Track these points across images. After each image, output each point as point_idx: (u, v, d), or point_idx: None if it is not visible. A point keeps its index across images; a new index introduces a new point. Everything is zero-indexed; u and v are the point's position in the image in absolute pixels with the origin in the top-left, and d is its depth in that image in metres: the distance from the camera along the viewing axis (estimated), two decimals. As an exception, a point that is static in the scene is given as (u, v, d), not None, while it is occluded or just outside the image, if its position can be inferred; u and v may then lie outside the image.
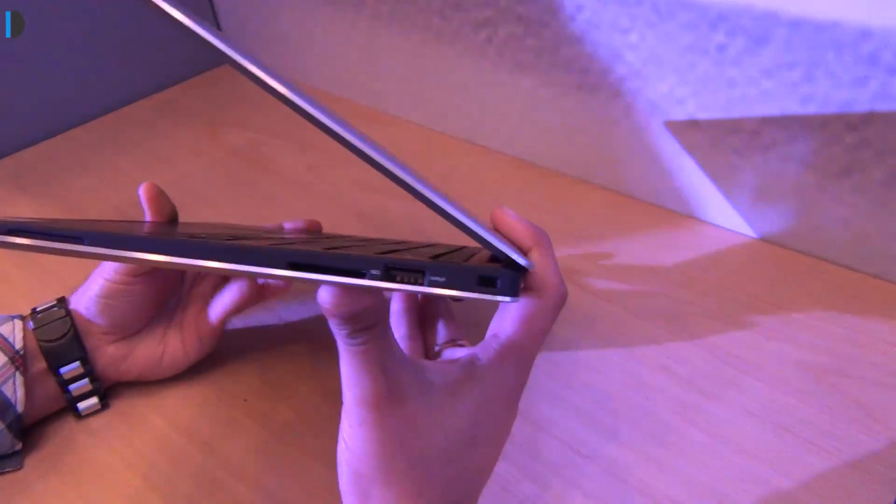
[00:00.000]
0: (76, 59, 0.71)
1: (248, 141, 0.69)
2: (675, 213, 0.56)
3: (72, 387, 0.36)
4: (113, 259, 0.22)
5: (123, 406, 0.39)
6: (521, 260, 0.23)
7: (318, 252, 0.21)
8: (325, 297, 0.22)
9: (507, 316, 0.28)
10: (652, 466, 0.35)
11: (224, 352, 0.42)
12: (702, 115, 0.49)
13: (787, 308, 0.45)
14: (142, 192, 0.37)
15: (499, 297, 0.22)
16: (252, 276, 0.22)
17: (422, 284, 0.21)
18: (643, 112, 0.52)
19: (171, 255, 0.21)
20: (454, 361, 0.27)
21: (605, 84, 0.53)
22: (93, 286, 0.36)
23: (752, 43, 0.44)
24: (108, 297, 0.36)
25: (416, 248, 0.32)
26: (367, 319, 0.23)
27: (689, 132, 0.51)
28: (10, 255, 0.52)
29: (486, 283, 0.22)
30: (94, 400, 0.38)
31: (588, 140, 0.58)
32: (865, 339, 0.42)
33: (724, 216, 0.53)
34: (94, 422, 0.38)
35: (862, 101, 0.42)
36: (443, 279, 0.21)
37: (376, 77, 0.72)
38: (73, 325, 0.36)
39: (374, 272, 0.21)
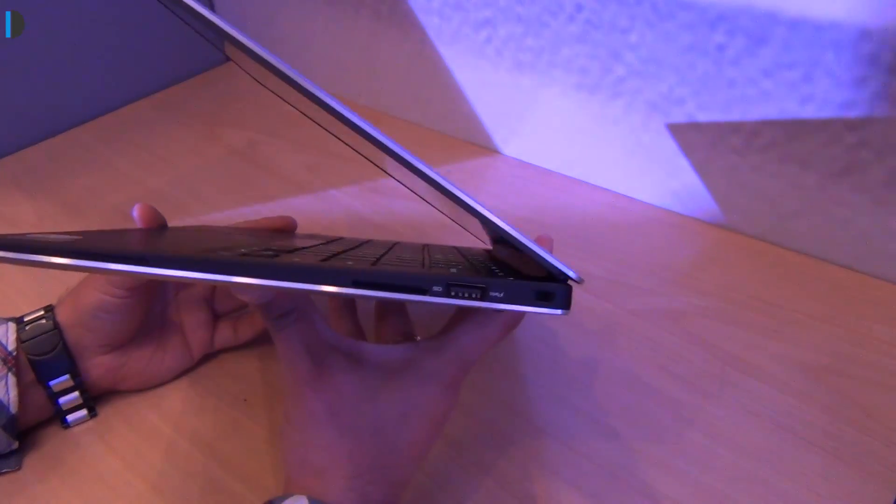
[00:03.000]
0: (76, 58, 0.71)
1: (248, 141, 0.69)
2: (675, 213, 0.56)
3: (61, 400, 0.36)
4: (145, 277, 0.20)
5: (123, 406, 0.39)
6: (572, 274, 0.23)
7: (382, 271, 0.22)
8: (241, 291, 0.23)
9: (461, 319, 0.29)
10: (652, 466, 0.35)
11: (224, 352, 0.42)
12: (702, 115, 0.49)
13: (787, 308, 0.45)
14: (136, 214, 0.37)
15: (552, 311, 0.23)
16: (315, 294, 0.23)
17: (482, 300, 0.22)
18: (643, 112, 0.52)
19: (235, 275, 0.20)
20: (396, 346, 0.29)
21: (605, 84, 0.53)
22: (85, 298, 0.35)
23: (752, 43, 0.44)
24: (104, 311, 0.35)
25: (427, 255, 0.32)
26: (282, 306, 0.26)
27: (689, 132, 0.51)
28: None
29: (543, 297, 0.23)
30: (83, 412, 0.37)
31: (588, 140, 0.58)
32: (865, 339, 0.42)
33: (723, 216, 0.53)
34: (94, 422, 0.38)
35: (862, 101, 0.42)
36: (501, 294, 0.22)
37: (376, 77, 0.72)
38: (62, 338, 0.35)
39: (436, 289, 0.22)
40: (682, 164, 0.53)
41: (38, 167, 0.66)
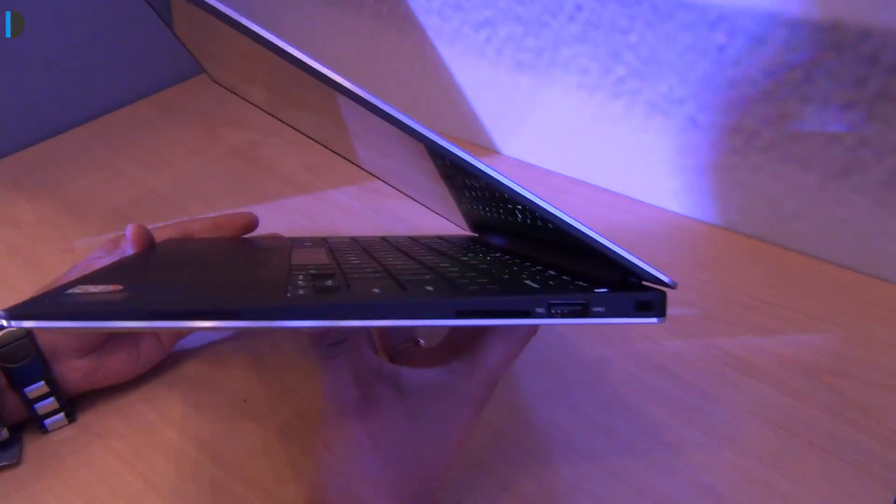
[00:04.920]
0: (76, 59, 0.71)
1: (248, 141, 0.69)
2: (675, 214, 0.56)
3: (37, 405, 0.36)
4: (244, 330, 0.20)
5: (122, 406, 0.39)
6: (665, 278, 0.23)
7: (483, 298, 0.21)
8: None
9: (486, 336, 0.29)
10: (652, 466, 0.35)
11: (224, 352, 0.42)
12: (702, 115, 0.49)
13: (786, 308, 0.45)
14: (130, 237, 0.37)
15: (649, 320, 0.22)
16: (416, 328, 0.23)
17: (585, 316, 0.21)
18: (643, 112, 0.52)
19: (337, 320, 0.19)
20: (429, 370, 0.28)
21: (605, 84, 0.53)
22: None
23: (752, 43, 0.44)
24: None
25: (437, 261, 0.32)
26: (337, 334, 0.25)
27: (689, 132, 0.51)
28: (5, 252, 0.52)
29: (642, 307, 0.22)
30: (60, 416, 0.37)
31: (588, 140, 0.58)
32: (865, 339, 0.42)
33: (723, 216, 0.53)
34: (93, 422, 0.38)
35: (862, 101, 0.42)
36: (603, 309, 0.22)
37: (376, 77, 0.72)
38: (36, 345, 0.35)
39: (539, 310, 0.21)
40: (683, 164, 0.53)
41: (38, 167, 0.66)
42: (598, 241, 0.22)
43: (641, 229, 0.54)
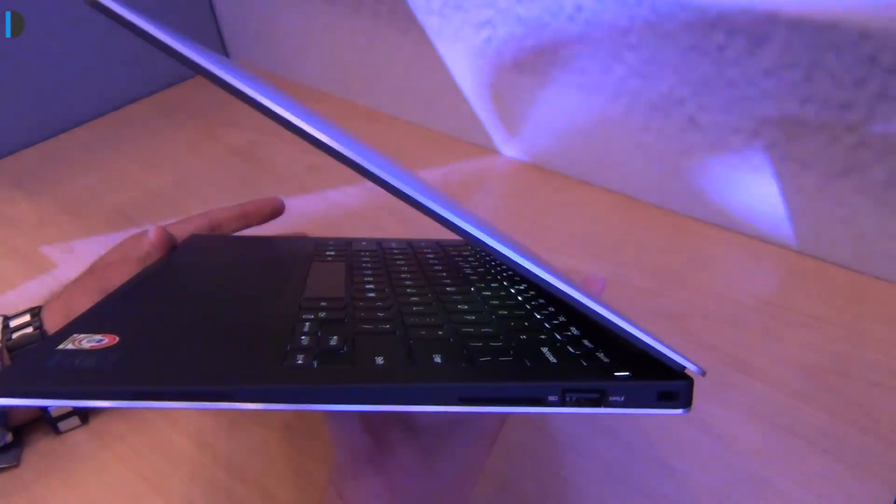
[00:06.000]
0: (76, 59, 0.71)
1: (248, 141, 0.69)
2: (675, 214, 0.56)
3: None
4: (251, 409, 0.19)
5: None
6: (693, 367, 0.21)
7: (490, 385, 0.20)
8: None
9: None
10: (652, 466, 0.35)
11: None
12: (702, 115, 0.49)
13: (787, 308, 0.45)
14: (153, 239, 0.37)
15: (675, 412, 0.21)
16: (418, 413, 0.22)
17: (601, 406, 0.20)
18: (643, 112, 0.52)
19: (333, 404, 0.19)
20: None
21: (605, 84, 0.53)
22: (77, 306, 0.35)
23: (752, 43, 0.44)
24: None
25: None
26: None
27: (689, 132, 0.51)
28: (6, 252, 0.52)
29: (665, 397, 0.20)
30: (75, 418, 0.37)
31: (588, 140, 0.58)
32: (865, 339, 0.42)
33: (723, 217, 0.53)
34: (94, 422, 0.38)
35: (862, 101, 0.42)
36: (622, 398, 0.20)
37: (376, 77, 0.72)
38: None
39: (552, 398, 0.20)
40: (682, 164, 0.53)
41: (39, 167, 0.66)
42: (627, 332, 0.21)
43: (641, 230, 0.54)
